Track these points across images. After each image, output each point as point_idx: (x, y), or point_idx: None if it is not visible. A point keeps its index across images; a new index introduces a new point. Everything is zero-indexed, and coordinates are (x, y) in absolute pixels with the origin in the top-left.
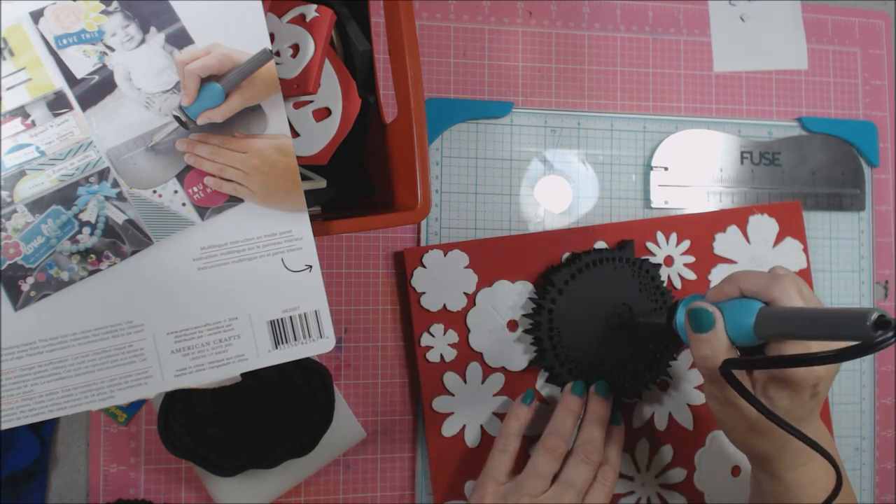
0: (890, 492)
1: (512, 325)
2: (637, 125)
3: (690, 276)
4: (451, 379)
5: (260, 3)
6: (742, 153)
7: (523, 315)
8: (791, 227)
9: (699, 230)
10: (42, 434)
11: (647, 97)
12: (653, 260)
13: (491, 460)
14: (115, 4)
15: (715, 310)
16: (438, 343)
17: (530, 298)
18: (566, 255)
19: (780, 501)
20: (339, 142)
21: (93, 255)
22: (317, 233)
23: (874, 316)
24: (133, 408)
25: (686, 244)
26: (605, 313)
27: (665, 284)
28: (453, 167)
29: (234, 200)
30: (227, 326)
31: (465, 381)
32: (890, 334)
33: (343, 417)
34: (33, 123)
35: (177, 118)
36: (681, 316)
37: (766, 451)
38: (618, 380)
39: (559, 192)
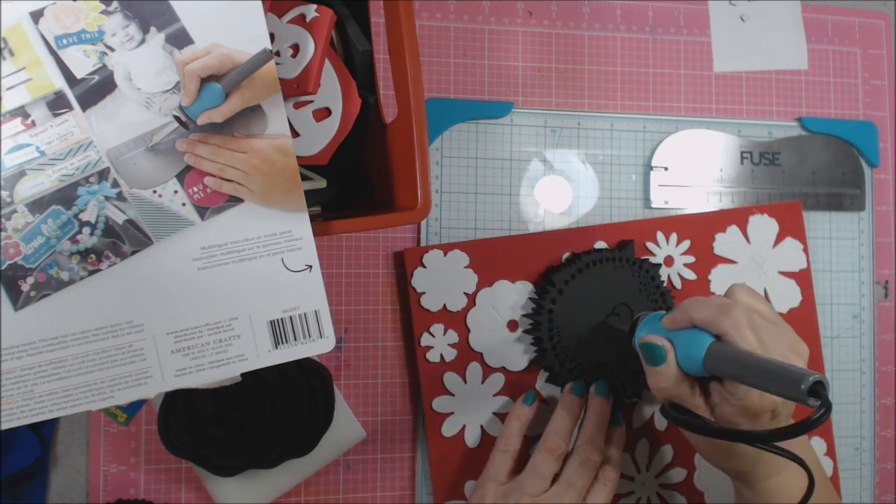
0: (890, 492)
1: (512, 325)
2: (637, 125)
3: (690, 276)
4: (451, 379)
5: (260, 3)
6: (742, 153)
7: (524, 315)
8: (791, 227)
9: (699, 230)
10: (42, 434)
11: (647, 97)
12: (653, 260)
13: (492, 460)
14: (115, 4)
15: (666, 343)
16: (438, 343)
17: (530, 298)
18: (566, 255)
19: None
20: (339, 142)
21: (93, 255)
22: (317, 233)
23: (810, 381)
24: (133, 408)
25: (686, 244)
26: (604, 313)
27: (665, 284)
28: (453, 167)
29: (234, 200)
30: (227, 326)
31: (466, 381)
32: (822, 410)
33: (343, 417)
34: (33, 123)
35: (177, 118)
36: (637, 341)
37: (737, 468)
38: (618, 380)
39: (559, 192)
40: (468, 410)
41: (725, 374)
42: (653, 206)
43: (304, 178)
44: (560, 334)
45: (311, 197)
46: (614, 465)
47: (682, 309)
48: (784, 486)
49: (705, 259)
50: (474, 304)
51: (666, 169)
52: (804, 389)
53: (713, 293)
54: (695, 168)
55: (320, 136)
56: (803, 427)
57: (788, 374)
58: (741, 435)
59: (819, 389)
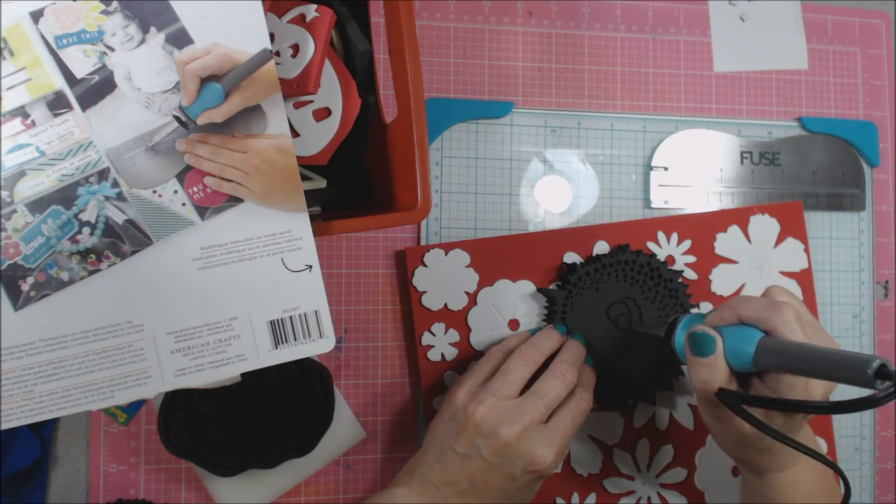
0: (890, 492)
1: (513, 325)
2: (637, 125)
3: (691, 275)
4: (452, 378)
5: (260, 3)
6: (742, 153)
7: (543, 319)
8: (792, 228)
9: (700, 230)
10: (42, 434)
11: (647, 97)
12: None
13: (476, 365)
14: (115, 4)
15: (717, 336)
16: (439, 342)
17: (539, 289)
18: (578, 260)
19: (769, 500)
20: (339, 142)
21: (93, 255)
22: (317, 233)
23: (876, 364)
24: (133, 408)
25: (687, 244)
26: (615, 315)
27: (681, 281)
28: (453, 167)
29: (234, 200)
30: (226, 326)
31: None
32: (891, 389)
33: (343, 417)
34: (33, 123)
35: (177, 118)
36: (680, 336)
37: (756, 461)
38: (632, 382)
39: (559, 192)
40: None
41: (777, 366)
42: (653, 206)
43: (304, 178)
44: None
45: (311, 197)
46: (588, 390)
47: (728, 307)
48: (795, 480)
49: (706, 259)
50: (475, 304)
51: (666, 169)
52: (871, 373)
53: (714, 293)
54: (695, 168)
55: (320, 136)
56: (870, 403)
57: (852, 360)
58: (805, 406)
59: (887, 371)
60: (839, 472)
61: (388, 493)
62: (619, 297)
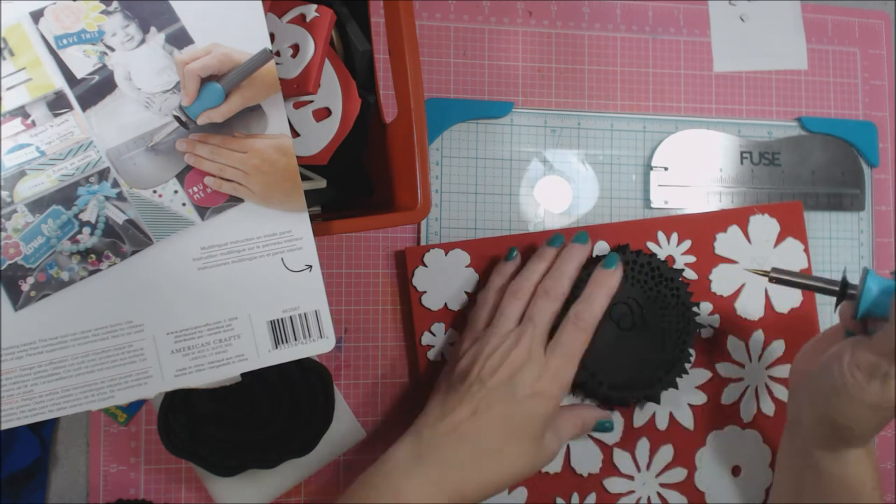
0: (890, 492)
1: None
2: (637, 125)
3: (691, 275)
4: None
5: (260, 3)
6: (742, 153)
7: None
8: (792, 228)
9: (700, 230)
10: (42, 434)
11: (647, 97)
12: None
13: (472, 315)
14: (115, 4)
15: None
16: (439, 342)
17: None
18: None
19: (834, 480)
20: (339, 142)
21: (93, 255)
22: (317, 233)
23: None
24: (133, 408)
25: (687, 244)
26: (618, 316)
27: (682, 280)
28: (453, 167)
29: (234, 200)
30: (226, 326)
31: None
32: None
33: (343, 417)
34: (33, 123)
35: (177, 118)
36: (875, 286)
37: (866, 429)
38: (636, 382)
39: (559, 192)
40: None
41: None
42: (653, 206)
43: (304, 178)
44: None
45: (311, 197)
46: (588, 304)
47: None
48: (866, 458)
49: (706, 259)
50: (475, 304)
51: (666, 169)
52: None
53: (714, 293)
54: (695, 168)
55: (320, 136)
56: None
57: None
58: None
59: None
60: None
61: (382, 458)
62: (621, 298)
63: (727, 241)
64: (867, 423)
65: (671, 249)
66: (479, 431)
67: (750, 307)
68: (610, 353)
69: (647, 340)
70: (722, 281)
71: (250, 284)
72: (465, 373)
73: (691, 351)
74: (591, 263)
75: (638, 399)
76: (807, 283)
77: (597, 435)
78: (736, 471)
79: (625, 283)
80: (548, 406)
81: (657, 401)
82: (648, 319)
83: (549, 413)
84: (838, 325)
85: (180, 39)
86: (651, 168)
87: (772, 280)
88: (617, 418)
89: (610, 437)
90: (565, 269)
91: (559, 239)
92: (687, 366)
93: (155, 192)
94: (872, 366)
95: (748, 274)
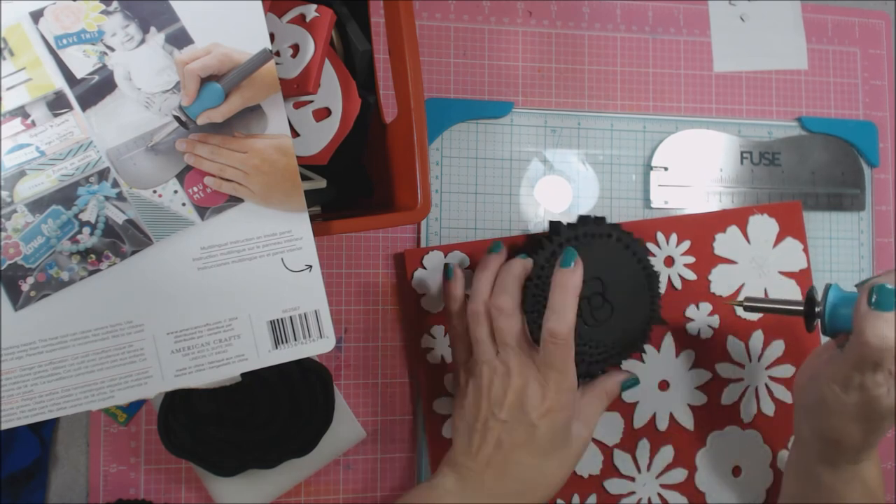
0: (890, 492)
1: None
2: (637, 125)
3: (691, 276)
4: (452, 380)
5: (260, 3)
6: (742, 153)
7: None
8: (791, 228)
9: (699, 230)
10: (42, 434)
11: (647, 97)
12: (652, 260)
13: (452, 348)
14: (115, 4)
15: None
16: (439, 344)
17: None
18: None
19: (836, 494)
20: (339, 142)
21: (93, 255)
22: (317, 233)
23: None
24: (133, 408)
25: (686, 244)
26: (588, 292)
27: (647, 254)
28: (453, 167)
29: (234, 200)
30: (227, 326)
31: None
32: None
33: (343, 417)
34: (33, 123)
35: (177, 118)
36: (837, 301)
37: (856, 443)
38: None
39: (559, 192)
40: None
41: None
42: (653, 206)
43: (304, 178)
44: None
45: (311, 197)
46: (558, 315)
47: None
48: (869, 474)
49: (705, 259)
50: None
51: (666, 169)
52: None
53: (713, 293)
54: (695, 168)
55: (320, 136)
56: None
57: None
58: None
59: None
60: None
61: (429, 483)
62: (585, 277)
63: (726, 242)
64: (855, 436)
65: (671, 250)
66: (510, 462)
67: None
68: (585, 333)
69: (617, 310)
70: (721, 281)
71: (250, 284)
72: (475, 410)
73: (658, 304)
74: (587, 236)
75: (618, 362)
76: (776, 308)
77: (597, 434)
78: (736, 471)
79: (599, 259)
80: (563, 416)
81: (642, 350)
82: (614, 289)
83: (568, 419)
84: (831, 340)
85: (180, 39)
86: (651, 168)
87: (746, 309)
88: (617, 419)
89: (610, 439)
90: (507, 280)
91: (498, 246)
92: (655, 318)
93: (155, 192)
94: (846, 378)
95: (748, 274)
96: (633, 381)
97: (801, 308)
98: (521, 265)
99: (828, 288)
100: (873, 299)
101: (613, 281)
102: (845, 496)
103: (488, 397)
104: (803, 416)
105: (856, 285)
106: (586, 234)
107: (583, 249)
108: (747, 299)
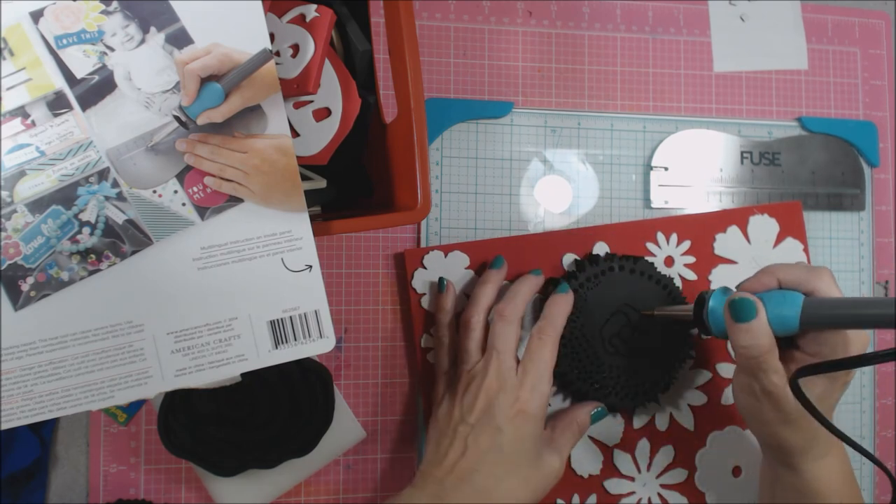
0: (890, 491)
1: None
2: (637, 125)
3: (691, 276)
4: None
5: (260, 3)
6: (742, 153)
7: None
8: (791, 228)
9: (699, 230)
10: (42, 434)
11: (647, 97)
12: (653, 260)
13: (435, 358)
14: (115, 4)
15: (757, 300)
16: None
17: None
18: (569, 263)
19: (800, 494)
20: (339, 142)
21: (93, 255)
22: (317, 233)
23: None
24: (133, 408)
25: (686, 244)
26: (613, 319)
27: (669, 278)
28: (453, 167)
29: (234, 200)
30: (227, 326)
31: None
32: None
33: (343, 417)
34: (33, 123)
35: (177, 118)
36: (716, 309)
37: (795, 444)
38: (634, 385)
39: (559, 192)
40: None
41: (825, 321)
42: (653, 206)
43: (304, 178)
44: (572, 338)
45: (311, 197)
46: (549, 320)
47: (767, 272)
48: (827, 472)
49: (705, 259)
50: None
51: (666, 169)
52: None
53: None
54: (695, 168)
55: (320, 136)
56: None
57: None
58: (880, 357)
59: None
60: (882, 467)
61: (396, 495)
62: (619, 308)
63: (727, 242)
64: (791, 438)
65: (671, 250)
66: (472, 469)
67: None
68: (613, 363)
69: (647, 346)
70: (721, 281)
71: (250, 284)
72: (447, 416)
73: (692, 353)
74: (609, 270)
75: (636, 405)
76: (674, 314)
77: (597, 434)
78: (736, 471)
79: (622, 291)
80: (532, 424)
81: (657, 400)
82: (646, 326)
83: (536, 432)
84: None
85: (180, 39)
86: (651, 168)
87: (657, 319)
88: (617, 420)
89: (610, 439)
90: (519, 290)
91: (500, 261)
92: (687, 362)
93: (155, 192)
94: (749, 387)
95: (748, 274)
96: (601, 413)
97: (689, 314)
98: (536, 281)
99: (709, 294)
100: (732, 315)
101: (637, 309)
102: (809, 495)
103: (461, 404)
104: (749, 425)
105: (736, 286)
106: (588, 277)
107: (592, 291)
108: (658, 308)
